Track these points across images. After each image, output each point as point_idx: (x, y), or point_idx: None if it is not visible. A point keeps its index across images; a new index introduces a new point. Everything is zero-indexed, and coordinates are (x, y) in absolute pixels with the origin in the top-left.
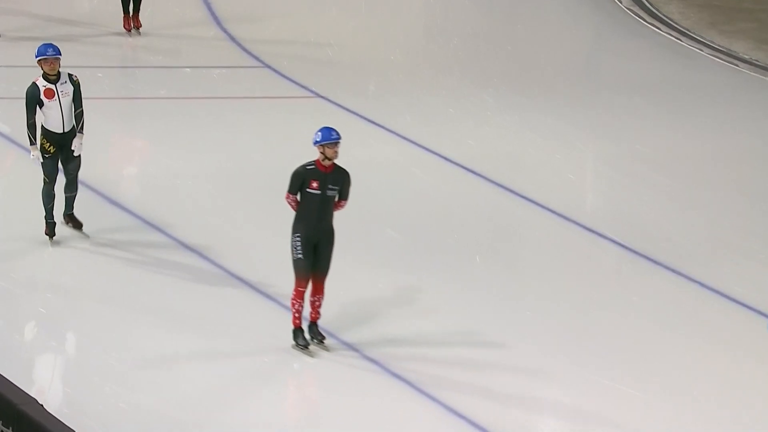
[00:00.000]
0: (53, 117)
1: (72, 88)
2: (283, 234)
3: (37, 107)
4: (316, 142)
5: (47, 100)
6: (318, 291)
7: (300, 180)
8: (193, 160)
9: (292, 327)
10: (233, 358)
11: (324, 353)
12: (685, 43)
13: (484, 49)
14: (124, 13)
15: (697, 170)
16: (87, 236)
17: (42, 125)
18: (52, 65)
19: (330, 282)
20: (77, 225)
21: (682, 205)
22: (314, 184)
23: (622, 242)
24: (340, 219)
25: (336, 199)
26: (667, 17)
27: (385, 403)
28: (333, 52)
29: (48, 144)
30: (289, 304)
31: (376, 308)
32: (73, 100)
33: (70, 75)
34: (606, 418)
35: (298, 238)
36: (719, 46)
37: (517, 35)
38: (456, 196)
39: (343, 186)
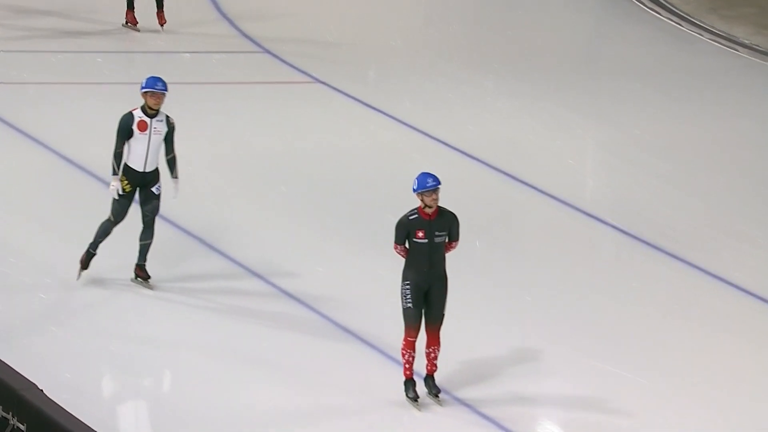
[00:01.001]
0: (137, 152)
1: (166, 129)
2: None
3: (126, 139)
4: (414, 191)
5: (138, 132)
6: (433, 342)
7: (404, 231)
8: (191, 146)
9: (403, 378)
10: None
11: (436, 407)
12: (685, 28)
13: (483, 34)
14: (127, 8)
15: (697, 155)
16: (152, 287)
17: (125, 163)
18: (157, 100)
19: (325, 265)
20: (145, 277)
21: (682, 191)
22: (420, 234)
23: (622, 228)
24: (339, 205)
25: (446, 241)
26: (667, 2)
27: None
28: (333, 38)
29: (126, 182)
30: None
31: (376, 294)
32: (165, 142)
33: (167, 116)
34: (605, 403)
35: (407, 286)
36: (719, 31)
37: (517, 20)
38: (455, 181)
39: (452, 229)
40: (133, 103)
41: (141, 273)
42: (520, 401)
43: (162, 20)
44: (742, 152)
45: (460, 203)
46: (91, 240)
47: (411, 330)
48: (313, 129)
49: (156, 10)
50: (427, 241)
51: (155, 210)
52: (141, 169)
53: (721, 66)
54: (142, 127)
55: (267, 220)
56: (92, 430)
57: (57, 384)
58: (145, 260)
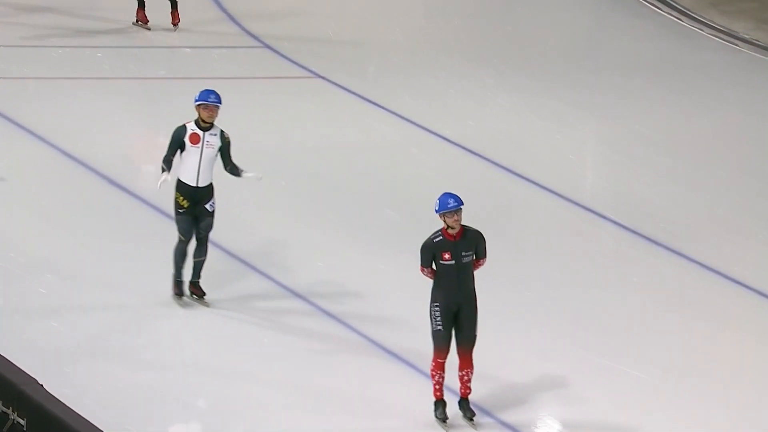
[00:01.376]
0: (189, 166)
1: (220, 143)
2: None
3: (178, 151)
4: (436, 212)
5: (190, 144)
6: (466, 364)
7: (430, 254)
8: None
9: (433, 399)
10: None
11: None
12: (685, 22)
13: (484, 29)
14: (138, 6)
15: (697, 150)
16: (208, 305)
17: (177, 178)
18: (210, 113)
19: (327, 262)
20: (200, 294)
21: (682, 186)
22: (446, 255)
23: (622, 223)
24: (339, 199)
25: (473, 259)
26: None
27: None
28: (333, 33)
29: (182, 198)
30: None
31: (375, 288)
32: (222, 157)
33: (222, 131)
34: (605, 398)
35: (437, 308)
36: (719, 25)
37: (517, 15)
38: (455, 176)
39: (478, 247)
40: (134, 98)
41: (196, 291)
42: (519, 395)
43: (175, 20)
44: (742, 147)
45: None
46: (172, 271)
47: (441, 352)
48: (312, 124)
49: (170, 9)
50: (454, 262)
51: (209, 227)
52: (193, 184)
53: (722, 61)
54: (195, 140)
55: (266, 215)
56: (92, 425)
57: (57, 379)
58: (199, 277)
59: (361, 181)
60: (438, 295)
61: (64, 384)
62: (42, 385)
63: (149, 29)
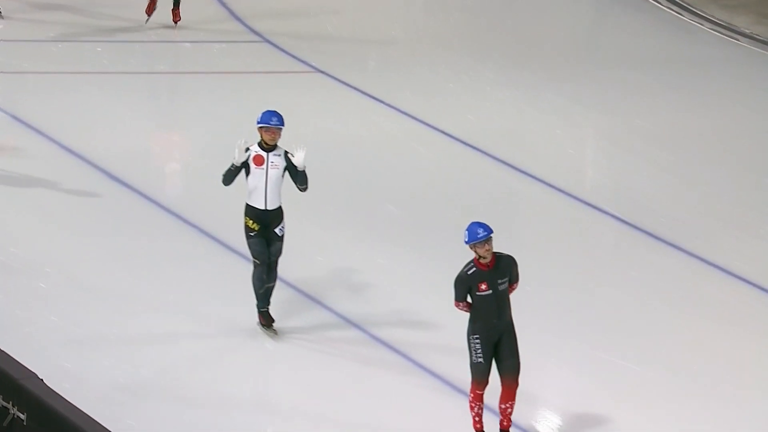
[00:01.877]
0: (256, 188)
1: (284, 163)
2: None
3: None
4: (465, 243)
5: (255, 166)
6: (509, 397)
7: (465, 287)
8: (191, 135)
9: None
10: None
11: None
12: (685, 17)
13: (484, 24)
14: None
15: (697, 145)
16: (274, 334)
17: (245, 202)
18: (273, 135)
19: (326, 256)
20: (268, 323)
21: (682, 180)
22: (483, 286)
23: (622, 217)
24: (339, 194)
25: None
26: None
27: None
28: (333, 27)
29: (251, 221)
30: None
31: (375, 283)
32: (293, 177)
33: (286, 151)
34: (605, 393)
35: (476, 340)
36: (720, 20)
37: (518, 10)
38: (455, 170)
39: (511, 272)
40: (133, 92)
41: (264, 320)
42: (521, 391)
43: (176, 17)
44: (742, 141)
45: (460, 192)
46: (255, 301)
47: (480, 384)
48: (313, 119)
49: (171, 6)
50: (491, 291)
51: (278, 252)
52: (262, 207)
53: (722, 55)
54: (259, 161)
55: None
56: (93, 419)
57: (57, 373)
58: (268, 304)
59: (361, 176)
60: (477, 326)
61: (64, 378)
62: (42, 380)
63: (146, 21)
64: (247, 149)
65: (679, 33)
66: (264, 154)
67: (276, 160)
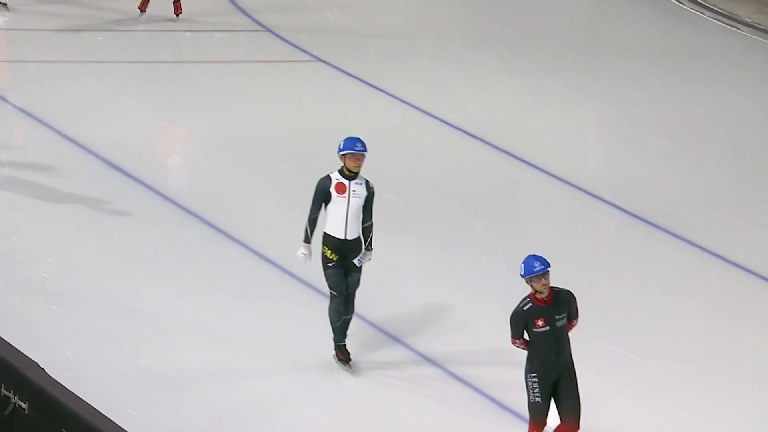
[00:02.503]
0: (336, 218)
1: (366, 192)
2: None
3: (323, 204)
4: (521, 277)
5: (336, 194)
6: None
7: (521, 323)
8: (193, 125)
9: None
10: None
11: None
12: (687, 6)
13: (485, 13)
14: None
15: (698, 134)
16: (351, 369)
17: (324, 231)
18: (357, 161)
19: None
20: (346, 358)
21: (682, 169)
22: (540, 322)
23: (622, 206)
24: None
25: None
26: None
27: None
28: (334, 16)
29: (330, 252)
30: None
31: (376, 272)
32: (364, 208)
33: (367, 180)
34: (605, 382)
35: (534, 379)
36: (721, 9)
37: None
38: (456, 160)
39: (570, 308)
40: (134, 81)
41: (341, 355)
42: (521, 380)
43: (177, 10)
44: (743, 131)
45: (460, 181)
46: (332, 335)
47: (538, 425)
48: (313, 108)
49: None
50: (548, 328)
51: (356, 284)
52: (342, 237)
53: (723, 45)
54: (341, 189)
55: (264, 199)
56: (94, 408)
57: (58, 362)
58: (344, 338)
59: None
60: (535, 365)
61: (65, 368)
62: (43, 369)
63: (139, 16)
64: (328, 176)
65: (681, 22)
66: (346, 182)
67: (358, 189)
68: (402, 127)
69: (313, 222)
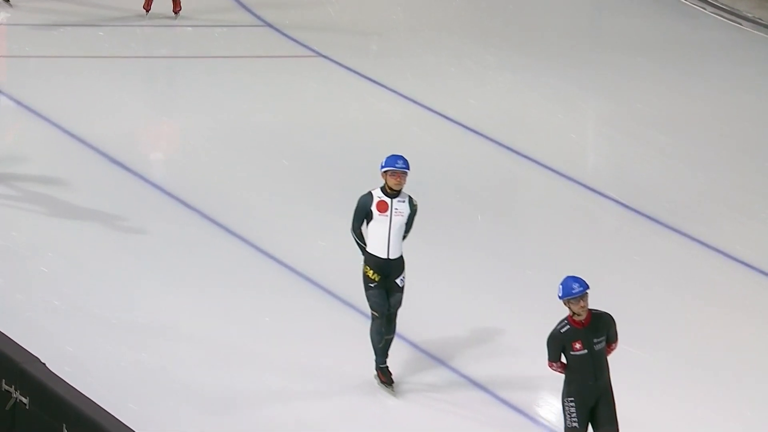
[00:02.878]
0: (378, 236)
1: (408, 210)
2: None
3: (365, 221)
4: (559, 298)
5: (378, 213)
6: None
7: (558, 345)
8: (193, 120)
9: None
10: None
11: None
12: (688, 1)
13: (486, 8)
14: None
15: (699, 129)
16: (393, 391)
17: (366, 250)
18: (398, 179)
19: (328, 240)
20: (388, 380)
21: (684, 164)
22: (577, 345)
23: (623, 201)
24: (341, 178)
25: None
26: None
27: None
28: (334, 11)
29: (371, 272)
30: None
31: None
32: (405, 224)
33: (410, 197)
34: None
35: (571, 404)
36: (722, 4)
37: None
38: (457, 155)
39: (609, 331)
40: (135, 76)
41: (383, 377)
42: (522, 374)
43: (176, 7)
44: (744, 125)
45: (461, 177)
46: (374, 357)
47: None
48: (314, 103)
49: None
50: (586, 351)
51: (398, 303)
52: (384, 256)
53: (724, 40)
54: (382, 208)
55: (267, 194)
56: (95, 403)
57: (60, 357)
58: (385, 359)
59: (363, 160)
60: (572, 389)
61: (66, 362)
62: (44, 364)
63: (144, 15)
64: (369, 193)
65: (681, 17)
66: (388, 200)
67: (401, 207)
68: (403, 122)
69: (360, 234)
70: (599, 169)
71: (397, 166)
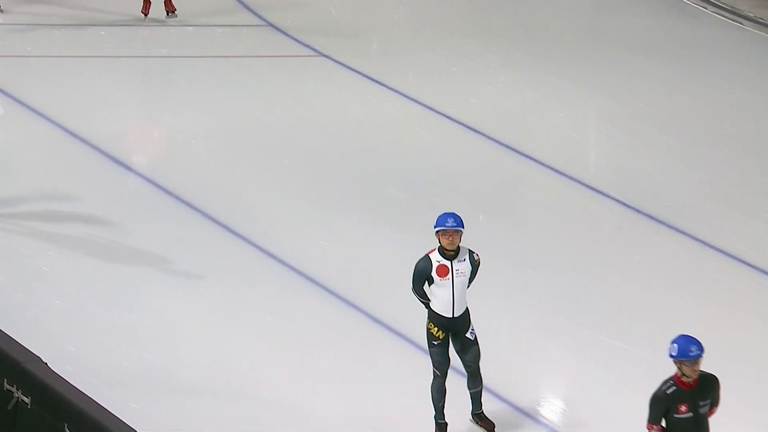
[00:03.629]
0: (442, 299)
1: (470, 268)
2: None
3: (426, 284)
4: (671, 357)
5: (439, 278)
6: None
7: (663, 408)
8: (195, 119)
9: None
10: None
11: None
12: (689, 0)
13: (486, 7)
14: None
15: (700, 128)
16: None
17: (430, 308)
18: (451, 239)
19: (330, 239)
20: (489, 426)
21: (684, 164)
22: (683, 408)
23: (624, 200)
24: (342, 178)
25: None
26: None
27: None
28: (336, 11)
29: (436, 329)
30: None
31: (379, 268)
32: (469, 279)
33: (471, 252)
34: (608, 376)
35: None
36: (723, 3)
37: None
38: (458, 154)
39: (715, 393)
40: (137, 76)
41: (482, 423)
42: (522, 374)
43: (169, 7)
44: (745, 125)
45: (462, 176)
46: (434, 413)
47: None
48: (316, 102)
49: None
50: (691, 414)
51: (477, 357)
52: (449, 316)
53: (725, 39)
54: (443, 272)
55: (269, 192)
56: (96, 402)
57: (61, 357)
58: (480, 408)
59: (364, 159)
60: None
61: (67, 362)
62: (46, 363)
63: (143, 19)
64: (427, 258)
65: (683, 16)
66: (447, 263)
67: (461, 267)
68: (404, 121)
69: (422, 293)
70: (600, 168)
71: (447, 225)
